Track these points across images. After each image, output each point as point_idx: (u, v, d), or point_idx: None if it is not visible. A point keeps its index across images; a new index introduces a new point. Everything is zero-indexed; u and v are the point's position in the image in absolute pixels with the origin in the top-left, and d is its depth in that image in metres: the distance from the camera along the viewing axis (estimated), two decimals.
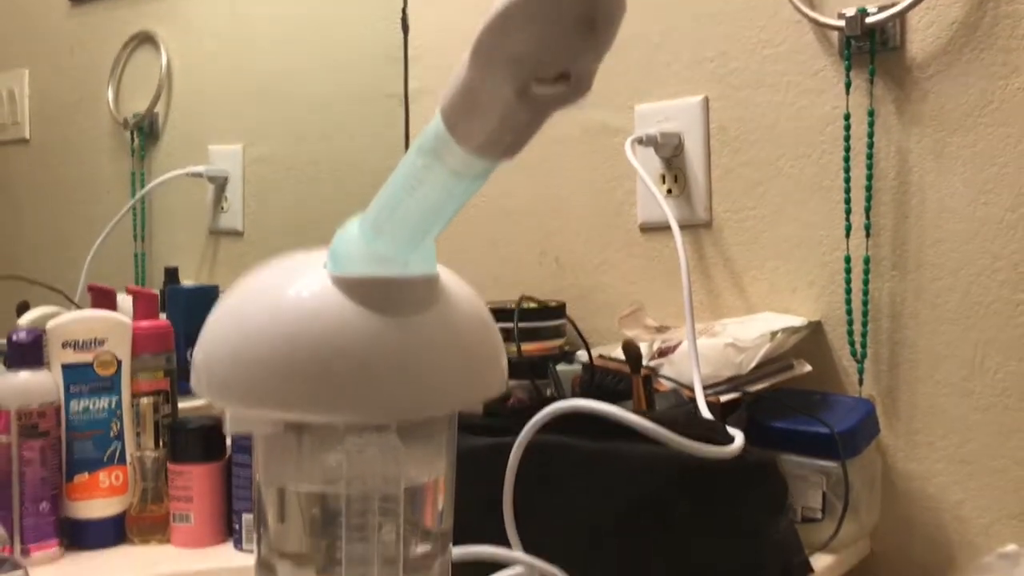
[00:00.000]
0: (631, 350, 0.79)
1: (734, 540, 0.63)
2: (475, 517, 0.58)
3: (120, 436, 0.87)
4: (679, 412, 0.79)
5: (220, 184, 1.32)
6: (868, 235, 0.90)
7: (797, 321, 0.91)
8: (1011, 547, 0.83)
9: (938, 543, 0.89)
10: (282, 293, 0.43)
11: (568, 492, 0.63)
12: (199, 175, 1.30)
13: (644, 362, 0.85)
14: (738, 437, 0.66)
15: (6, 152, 1.23)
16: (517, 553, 0.57)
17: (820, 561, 0.81)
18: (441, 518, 0.49)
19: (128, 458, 0.87)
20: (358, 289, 0.42)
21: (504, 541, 0.62)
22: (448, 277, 0.46)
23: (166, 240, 1.29)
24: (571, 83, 0.32)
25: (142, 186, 1.29)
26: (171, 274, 1.17)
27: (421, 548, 0.48)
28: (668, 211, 0.91)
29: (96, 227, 1.22)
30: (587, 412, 0.59)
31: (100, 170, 1.31)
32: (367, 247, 0.42)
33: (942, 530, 0.89)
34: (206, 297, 1.10)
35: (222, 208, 1.33)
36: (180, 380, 0.96)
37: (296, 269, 0.44)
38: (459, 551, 0.53)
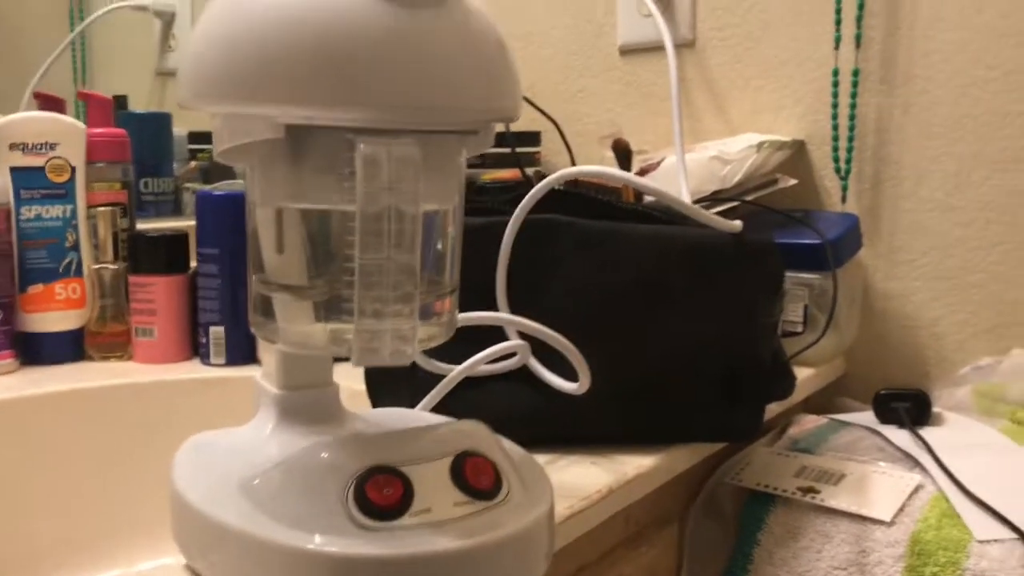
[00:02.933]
0: (621, 146, 0.76)
1: (731, 318, 0.61)
2: (468, 300, 0.55)
3: (76, 247, 0.82)
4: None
5: (167, 20, 1.24)
6: (858, 47, 0.88)
7: (782, 136, 0.89)
8: (985, 360, 0.84)
9: (913, 360, 0.89)
10: None
11: (565, 271, 0.60)
12: (143, 8, 1.22)
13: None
14: (737, 222, 0.64)
15: None
16: (518, 318, 0.54)
17: (798, 374, 0.81)
18: (452, 266, 0.46)
19: (85, 271, 0.82)
20: None
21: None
22: None
23: (109, 81, 1.21)
24: None
25: (81, 20, 1.20)
26: (120, 102, 1.10)
27: (431, 289, 0.45)
28: (661, 23, 0.86)
29: (33, 65, 1.14)
30: (596, 176, 0.56)
31: (33, 5, 1.22)
32: None
33: (918, 347, 0.89)
34: (159, 124, 1.04)
35: (169, 47, 1.25)
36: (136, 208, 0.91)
37: None
38: (459, 316, 0.50)
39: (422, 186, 0.40)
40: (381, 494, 0.40)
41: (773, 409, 0.73)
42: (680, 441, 0.62)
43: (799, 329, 0.83)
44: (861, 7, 0.87)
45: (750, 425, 0.63)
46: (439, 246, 0.46)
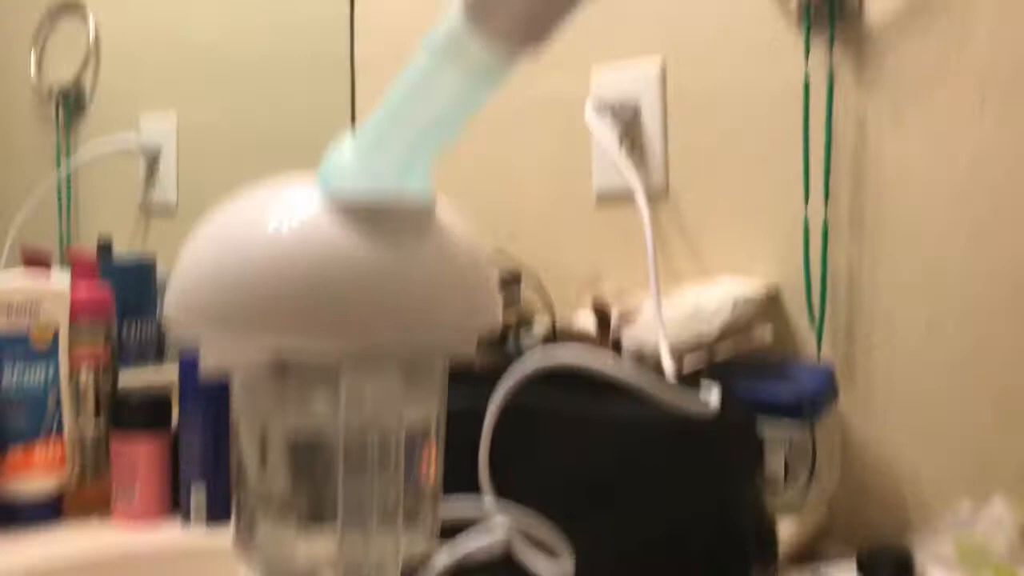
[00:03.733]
0: (601, 309, 0.77)
1: (713, 499, 0.62)
2: (450, 482, 0.55)
3: (58, 408, 0.82)
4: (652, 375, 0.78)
5: (152, 156, 1.26)
6: (827, 200, 0.90)
7: (756, 288, 0.91)
8: (966, 508, 0.84)
9: (895, 507, 0.90)
10: (270, 213, 0.40)
11: (544, 455, 0.61)
12: (129, 147, 1.25)
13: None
14: (715, 393, 0.65)
15: None
16: (501, 508, 0.55)
17: (781, 528, 0.81)
18: (433, 469, 0.47)
19: (66, 431, 0.82)
20: (353, 210, 0.39)
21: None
22: (443, 204, 0.44)
23: (94, 216, 1.23)
24: None
25: (68, 159, 1.22)
26: (104, 248, 1.12)
27: (414, 499, 0.45)
28: (632, 175, 0.89)
29: (19, 203, 1.15)
30: (572, 367, 0.57)
31: (22, 144, 1.24)
32: (362, 165, 0.40)
33: (899, 495, 0.90)
34: (142, 271, 1.05)
35: (154, 182, 1.27)
36: (120, 354, 0.92)
37: (285, 188, 0.41)
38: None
39: (405, 407, 0.41)
40: None
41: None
42: None
43: (779, 482, 0.83)
44: (828, 161, 0.90)
45: None
46: (422, 457, 0.46)
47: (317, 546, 0.43)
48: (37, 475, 0.80)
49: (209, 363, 0.43)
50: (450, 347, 0.44)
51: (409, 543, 0.45)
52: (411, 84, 0.37)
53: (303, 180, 0.41)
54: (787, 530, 0.81)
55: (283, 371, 0.42)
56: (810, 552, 0.87)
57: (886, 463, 0.90)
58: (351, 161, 0.40)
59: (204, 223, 0.41)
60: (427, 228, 0.42)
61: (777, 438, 0.82)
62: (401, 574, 0.55)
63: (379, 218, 0.40)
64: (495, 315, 0.45)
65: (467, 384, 0.66)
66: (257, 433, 0.44)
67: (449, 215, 0.44)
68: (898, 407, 0.89)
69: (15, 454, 0.79)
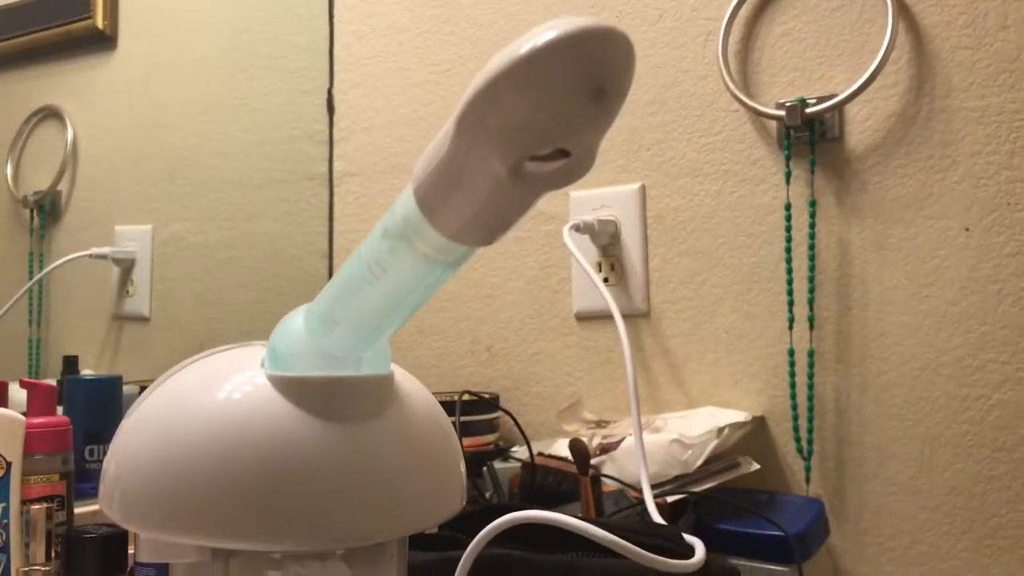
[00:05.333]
0: (579, 449, 0.74)
1: None
2: None
3: (5, 548, 0.77)
4: (632, 519, 0.74)
5: (126, 267, 1.24)
6: (812, 328, 0.88)
7: (742, 416, 0.88)
8: None
9: None
10: (212, 396, 0.37)
11: None
12: (103, 256, 1.22)
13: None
14: (698, 547, 0.61)
15: None
16: None
17: None
18: None
19: (14, 574, 0.77)
20: (303, 391, 0.37)
21: None
22: (401, 376, 0.41)
23: (65, 326, 1.20)
24: (571, 160, 0.28)
25: (41, 267, 1.20)
26: (70, 363, 1.08)
27: None
28: (609, 299, 0.87)
29: None
30: (545, 524, 0.54)
31: None
32: (315, 343, 0.37)
33: None
34: (108, 389, 1.02)
35: (127, 292, 1.25)
36: (77, 482, 0.87)
37: (229, 367, 0.39)
38: None
39: None
40: None
41: None
42: None
43: None
44: (812, 290, 0.88)
45: None
46: None
47: None
48: None
49: (144, 557, 0.40)
50: (406, 532, 0.41)
51: None
52: (366, 265, 0.34)
53: (249, 357, 0.38)
54: None
55: (227, 564, 0.39)
56: None
57: None
58: (302, 340, 0.37)
59: (141, 405, 0.39)
60: (384, 406, 0.39)
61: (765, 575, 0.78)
62: None
63: (331, 399, 0.37)
64: (460, 497, 0.42)
65: (436, 533, 0.62)
66: None
67: (409, 385, 0.42)
68: (892, 543, 0.85)
69: None
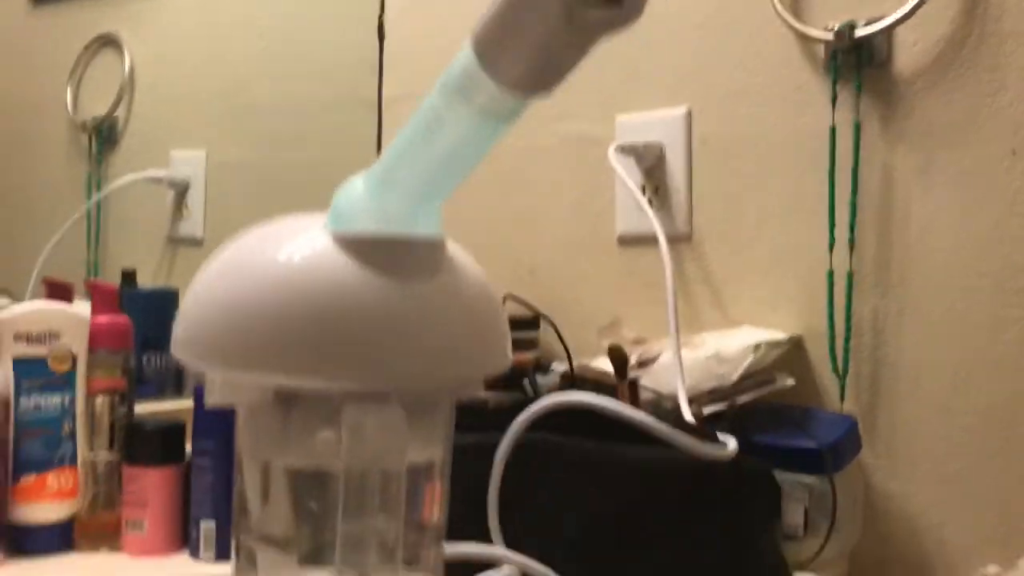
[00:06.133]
0: (618, 355, 0.76)
1: (727, 548, 0.60)
2: (458, 520, 0.54)
3: (72, 436, 0.82)
4: (668, 418, 0.76)
5: (181, 190, 1.28)
6: (852, 250, 0.89)
7: (779, 335, 0.89)
8: (993, 569, 0.82)
9: (918, 564, 0.87)
10: (279, 250, 0.40)
11: (557, 493, 0.60)
12: (159, 180, 1.26)
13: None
14: (731, 442, 0.63)
15: None
16: (508, 552, 0.53)
17: None
18: (437, 508, 0.46)
19: (79, 460, 0.82)
20: (362, 248, 0.39)
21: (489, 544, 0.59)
22: (452, 244, 0.44)
23: (121, 247, 1.24)
24: (624, 5, 0.30)
25: (98, 190, 1.24)
26: (128, 277, 1.12)
27: (416, 538, 0.45)
28: (653, 218, 0.89)
29: (48, 232, 1.17)
30: (585, 407, 0.57)
31: (55, 173, 1.26)
32: (373, 203, 0.39)
33: (923, 551, 0.87)
34: (165, 300, 1.06)
35: (182, 215, 1.28)
36: (138, 383, 0.92)
37: (295, 226, 0.41)
38: (446, 548, 0.50)
39: (408, 446, 0.40)
40: None
41: None
42: None
43: (799, 533, 0.81)
44: (853, 212, 0.89)
45: None
46: (425, 494, 0.45)
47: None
48: (48, 503, 0.80)
49: (214, 398, 0.43)
50: (457, 388, 0.44)
51: None
52: (424, 123, 0.37)
53: (313, 218, 0.41)
54: None
55: (287, 407, 0.42)
56: None
57: (910, 519, 0.88)
58: (362, 199, 0.40)
59: (213, 258, 0.41)
60: (437, 267, 0.41)
61: (797, 488, 0.80)
62: None
63: (388, 256, 0.39)
64: (504, 357, 0.44)
65: (479, 422, 0.65)
66: (259, 469, 0.44)
67: (460, 255, 0.44)
68: (923, 462, 0.87)
69: (28, 481, 0.79)
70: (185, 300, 0.42)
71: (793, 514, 0.81)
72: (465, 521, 0.56)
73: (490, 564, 0.56)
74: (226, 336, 0.39)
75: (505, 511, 0.59)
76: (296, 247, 0.40)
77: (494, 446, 0.60)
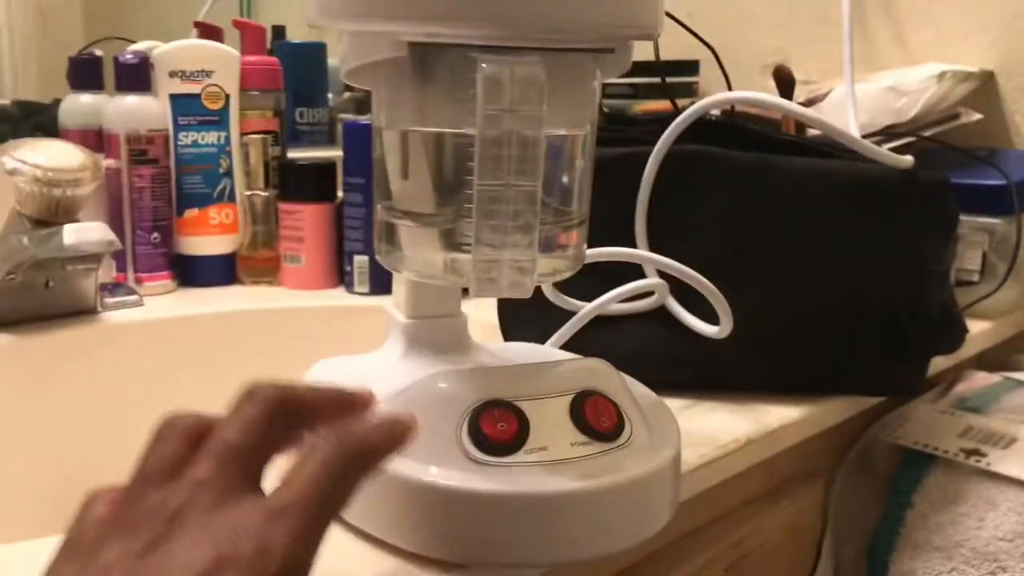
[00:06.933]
0: (783, 73, 0.70)
1: (897, 262, 0.56)
2: (603, 234, 0.52)
3: (229, 173, 0.84)
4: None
5: None
6: None
7: (967, 67, 0.80)
8: None
9: None
10: None
11: (711, 206, 0.56)
12: None
13: None
14: (907, 158, 0.58)
15: None
16: (655, 255, 0.51)
17: (972, 327, 0.74)
18: (581, 196, 0.44)
19: (238, 197, 0.84)
20: None
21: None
22: None
23: (271, 10, 1.23)
24: None
25: None
26: (278, 31, 1.12)
27: (555, 224, 0.43)
28: None
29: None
30: (752, 103, 0.52)
31: None
32: None
33: None
34: (315, 53, 1.05)
35: None
36: (289, 142, 0.93)
37: None
38: (589, 252, 0.48)
39: (548, 109, 0.37)
40: (496, 428, 0.38)
41: (940, 363, 0.67)
42: (831, 393, 0.57)
43: (975, 278, 0.76)
44: None
45: (912, 380, 0.58)
46: (566, 174, 0.43)
47: (456, 256, 0.41)
48: (212, 237, 0.83)
49: (351, 63, 0.41)
50: (601, 48, 0.40)
51: (551, 263, 0.43)
52: None
53: None
54: (978, 329, 0.74)
55: (423, 70, 0.39)
56: (1002, 358, 0.80)
57: None
58: None
59: None
60: None
61: (976, 232, 0.74)
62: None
63: None
64: (654, 14, 0.40)
65: (629, 129, 0.61)
66: (398, 141, 0.42)
67: None
68: None
69: (192, 214, 0.82)
70: None
71: (968, 258, 0.75)
72: (608, 241, 0.54)
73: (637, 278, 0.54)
74: None
75: (653, 227, 0.56)
76: None
77: (642, 158, 0.56)
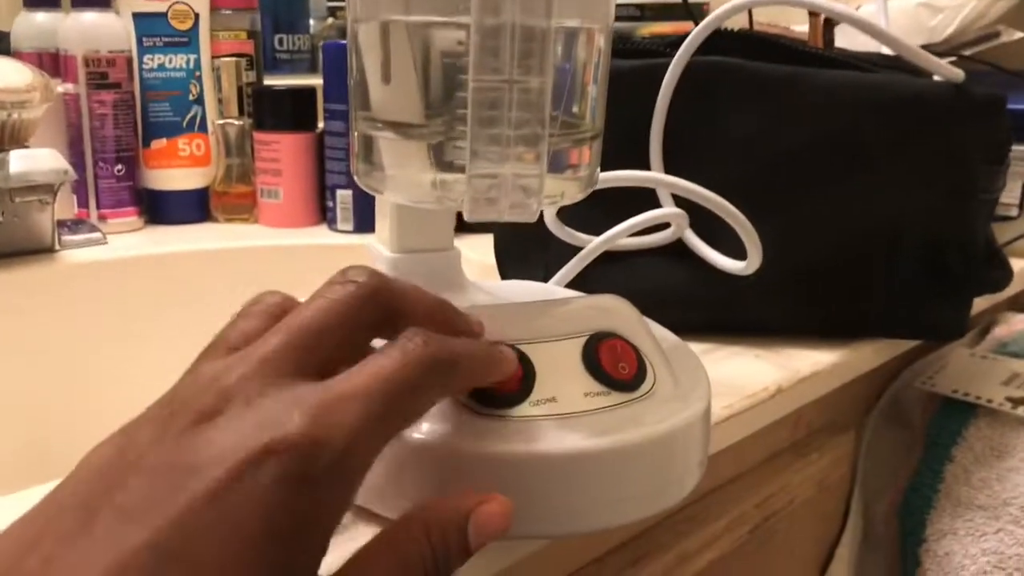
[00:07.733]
0: None
1: (942, 188, 0.50)
2: (613, 157, 0.45)
3: (200, 100, 0.77)
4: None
5: None
6: None
7: None
8: None
9: None
10: None
11: (734, 125, 0.50)
12: None
13: None
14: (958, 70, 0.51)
15: None
16: (670, 177, 0.45)
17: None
18: (595, 105, 0.37)
19: (209, 127, 0.77)
20: None
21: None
22: None
23: None
24: None
25: None
26: None
27: (563, 138, 0.36)
28: None
29: None
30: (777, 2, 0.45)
31: None
32: None
33: None
34: None
35: None
36: (267, 70, 0.86)
37: None
38: (603, 175, 0.41)
39: None
40: None
41: (977, 304, 0.61)
42: (864, 335, 0.52)
43: (1014, 213, 0.70)
44: None
45: (955, 321, 0.52)
46: (578, 77, 0.36)
47: (448, 176, 0.35)
48: (180, 170, 0.76)
49: None
50: None
51: (559, 185, 0.36)
52: None
53: None
54: (1016, 268, 0.68)
55: None
56: None
57: None
58: None
59: None
60: None
61: (1018, 158, 0.68)
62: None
63: None
64: None
65: (640, 49, 0.55)
66: (379, 36, 0.36)
67: None
68: None
69: (159, 145, 0.75)
70: None
71: (1010, 190, 0.69)
72: (621, 164, 0.48)
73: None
74: None
75: (670, 149, 0.50)
76: None
77: (659, 71, 0.50)
